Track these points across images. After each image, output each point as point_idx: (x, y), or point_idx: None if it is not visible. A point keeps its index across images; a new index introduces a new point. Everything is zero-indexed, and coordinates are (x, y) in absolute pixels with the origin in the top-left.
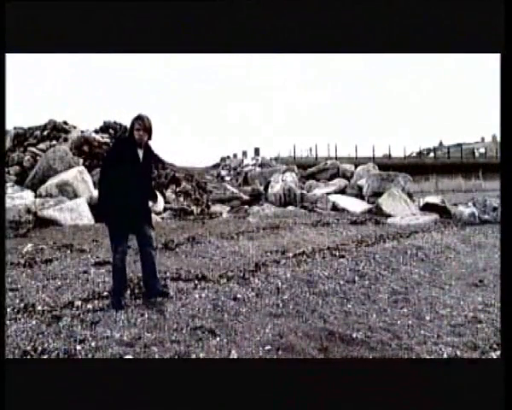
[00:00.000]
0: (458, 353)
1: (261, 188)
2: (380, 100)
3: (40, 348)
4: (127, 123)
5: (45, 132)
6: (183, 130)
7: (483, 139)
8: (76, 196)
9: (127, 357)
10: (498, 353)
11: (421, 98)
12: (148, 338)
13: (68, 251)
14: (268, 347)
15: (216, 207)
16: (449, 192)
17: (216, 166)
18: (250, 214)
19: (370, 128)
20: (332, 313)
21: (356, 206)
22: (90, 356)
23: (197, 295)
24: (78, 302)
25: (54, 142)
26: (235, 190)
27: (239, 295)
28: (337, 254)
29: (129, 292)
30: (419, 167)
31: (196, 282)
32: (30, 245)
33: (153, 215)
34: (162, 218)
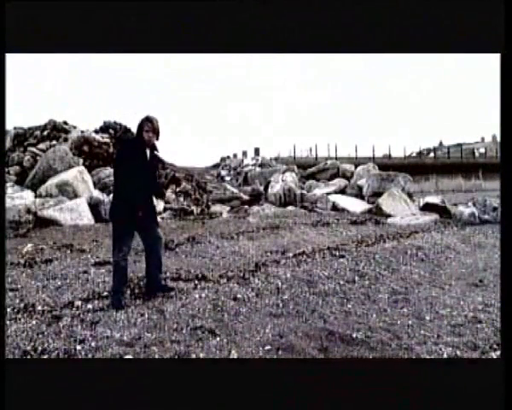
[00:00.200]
0: (458, 353)
1: (261, 188)
2: (380, 100)
3: (40, 348)
4: (127, 123)
5: (45, 132)
6: (183, 130)
7: (483, 139)
8: (76, 196)
9: (127, 357)
10: (498, 353)
11: (421, 98)
12: (148, 338)
13: (68, 251)
14: (268, 347)
15: (216, 207)
16: (449, 192)
17: (216, 166)
18: (250, 214)
19: (370, 128)
20: (332, 313)
21: (356, 206)
22: (90, 356)
23: (197, 295)
24: (78, 302)
25: (54, 142)
26: (235, 190)
27: (239, 295)
28: (337, 254)
29: (129, 292)
30: (419, 167)
31: (196, 282)
32: (30, 245)
33: None
34: (162, 218)
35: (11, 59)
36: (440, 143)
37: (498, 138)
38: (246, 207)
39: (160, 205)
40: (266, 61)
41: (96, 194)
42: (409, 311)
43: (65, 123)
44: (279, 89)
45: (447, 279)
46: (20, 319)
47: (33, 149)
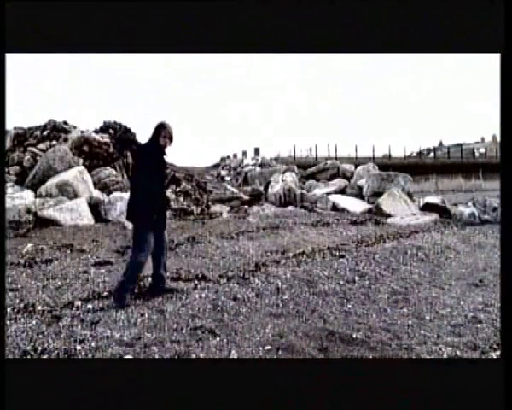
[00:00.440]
0: (458, 353)
1: (261, 188)
2: (380, 100)
3: (40, 348)
4: (127, 123)
5: (45, 132)
6: (183, 130)
7: (483, 139)
8: (76, 196)
9: (127, 357)
10: (498, 353)
11: (421, 98)
12: (148, 338)
13: (68, 251)
14: (268, 347)
15: (216, 207)
16: (449, 192)
17: (216, 166)
18: (250, 214)
19: (370, 128)
20: (332, 313)
21: (356, 206)
22: (90, 356)
23: (197, 295)
24: (78, 302)
25: (54, 142)
26: (235, 190)
27: (239, 295)
28: (337, 254)
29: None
30: (419, 167)
31: (196, 282)
32: (30, 245)
33: None
34: None
35: (11, 59)
36: (440, 143)
37: (498, 138)
38: (246, 207)
39: None
40: (266, 61)
41: (96, 194)
42: (409, 311)
43: (65, 123)
44: (279, 89)
45: (447, 279)
46: (20, 319)
47: (33, 149)
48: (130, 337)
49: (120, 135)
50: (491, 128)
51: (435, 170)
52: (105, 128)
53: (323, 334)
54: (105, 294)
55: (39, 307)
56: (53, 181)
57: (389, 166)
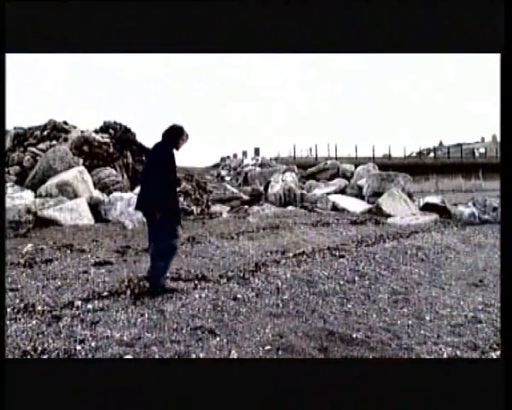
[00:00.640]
0: (458, 353)
1: (261, 188)
2: (380, 100)
3: (40, 348)
4: (127, 123)
5: (45, 132)
6: None
7: (483, 139)
8: (76, 196)
9: (127, 357)
10: (498, 353)
11: (421, 98)
12: (148, 338)
13: (68, 251)
14: (268, 347)
15: (216, 207)
16: (449, 192)
17: (216, 166)
18: (250, 214)
19: (370, 128)
20: (332, 313)
21: (356, 206)
22: (90, 356)
23: (197, 295)
24: (78, 302)
25: (54, 142)
26: (235, 190)
27: (239, 295)
28: (337, 254)
29: (129, 292)
30: (419, 167)
31: (196, 282)
32: (30, 245)
33: None
34: None
35: (11, 59)
36: (440, 143)
37: (498, 138)
38: (246, 207)
39: None
40: (266, 61)
41: (96, 194)
42: (409, 311)
43: (65, 123)
44: (279, 89)
45: (447, 279)
46: (20, 319)
47: (33, 149)
48: (130, 337)
49: (120, 135)
50: (491, 128)
51: (435, 170)
52: (105, 128)
53: (323, 334)
54: (105, 294)
55: (39, 307)
56: (53, 181)
57: (389, 166)
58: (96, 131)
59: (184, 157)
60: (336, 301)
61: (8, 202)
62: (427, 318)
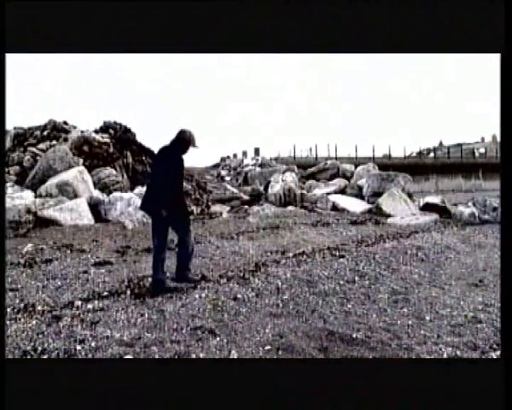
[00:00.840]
0: (458, 353)
1: (261, 188)
2: (380, 100)
3: (40, 348)
4: (127, 123)
5: (45, 132)
6: None
7: (483, 139)
8: (76, 196)
9: (127, 357)
10: (498, 353)
11: (421, 98)
12: (148, 338)
13: (68, 251)
14: (268, 347)
15: (216, 207)
16: (449, 192)
17: (216, 166)
18: (250, 214)
19: (370, 128)
20: (332, 313)
21: (356, 206)
22: (90, 356)
23: (197, 295)
24: (78, 302)
25: (54, 142)
26: (235, 190)
27: (239, 295)
28: (337, 254)
29: (129, 292)
30: (419, 167)
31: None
32: (30, 245)
33: None
34: None
35: (11, 59)
36: (440, 143)
37: (498, 138)
38: (246, 207)
39: None
40: (266, 61)
41: (96, 194)
42: (409, 311)
43: (65, 123)
44: (279, 89)
45: (447, 279)
46: (20, 319)
47: (33, 149)
48: (130, 337)
49: (120, 135)
50: (491, 128)
51: (435, 170)
52: (105, 128)
53: (323, 334)
54: (105, 294)
55: (39, 307)
56: (53, 181)
57: (389, 166)
58: (96, 131)
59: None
60: (336, 301)
61: (8, 202)
62: (427, 318)
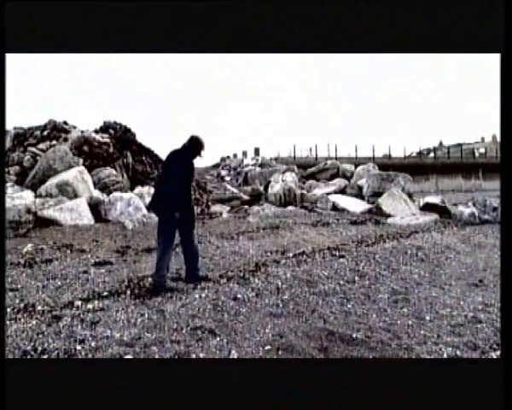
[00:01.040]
0: (458, 353)
1: (261, 188)
2: (380, 100)
3: (40, 348)
4: (127, 123)
5: (45, 132)
6: (182, 130)
7: (483, 139)
8: (76, 196)
9: (127, 357)
10: (498, 353)
11: (421, 98)
12: (148, 338)
13: (68, 251)
14: (268, 347)
15: (216, 207)
16: (449, 192)
17: (216, 166)
18: (250, 214)
19: (370, 128)
20: (332, 313)
21: (356, 206)
22: (90, 356)
23: (197, 295)
24: (78, 302)
25: (54, 142)
26: (235, 190)
27: (239, 295)
28: (337, 254)
29: (129, 292)
30: (419, 167)
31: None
32: (30, 245)
33: (153, 215)
34: None
35: (11, 59)
36: (440, 143)
37: (498, 138)
38: (246, 207)
39: None
40: (266, 61)
41: (96, 194)
42: (409, 311)
43: (65, 123)
44: (279, 89)
45: (447, 279)
46: (20, 319)
47: (33, 149)
48: (130, 337)
49: (120, 135)
50: (491, 128)
51: (435, 170)
52: (105, 128)
53: (323, 334)
54: (105, 294)
55: (39, 307)
56: (53, 181)
57: (389, 166)
58: (96, 131)
59: None
60: (336, 301)
61: (8, 202)
62: (427, 318)
